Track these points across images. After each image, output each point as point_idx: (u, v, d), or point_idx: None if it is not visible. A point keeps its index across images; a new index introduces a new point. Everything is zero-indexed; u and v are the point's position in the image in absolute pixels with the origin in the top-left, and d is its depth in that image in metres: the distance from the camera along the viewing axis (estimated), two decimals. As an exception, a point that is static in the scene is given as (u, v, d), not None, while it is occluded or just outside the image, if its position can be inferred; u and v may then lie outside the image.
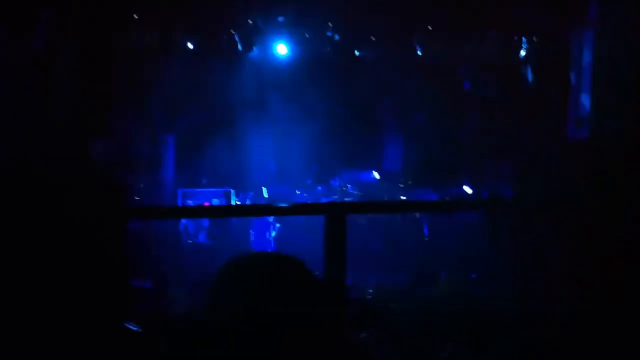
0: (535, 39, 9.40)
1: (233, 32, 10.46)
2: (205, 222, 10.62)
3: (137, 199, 11.52)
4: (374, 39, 10.78)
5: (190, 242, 10.55)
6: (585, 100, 7.51)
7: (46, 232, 1.62)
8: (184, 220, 10.54)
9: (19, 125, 8.80)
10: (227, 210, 6.56)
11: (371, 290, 7.71)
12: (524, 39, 9.73)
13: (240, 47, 10.79)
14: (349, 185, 12.26)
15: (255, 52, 11.17)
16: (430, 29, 9.96)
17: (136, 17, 9.68)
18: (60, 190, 1.69)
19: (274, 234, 10.47)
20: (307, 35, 10.66)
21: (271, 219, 10.48)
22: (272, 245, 10.44)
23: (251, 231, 10.53)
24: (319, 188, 12.07)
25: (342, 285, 2.72)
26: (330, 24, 10.21)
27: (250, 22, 9.97)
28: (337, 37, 10.80)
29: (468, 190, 11.03)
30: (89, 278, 1.67)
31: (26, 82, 9.01)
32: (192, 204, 11.58)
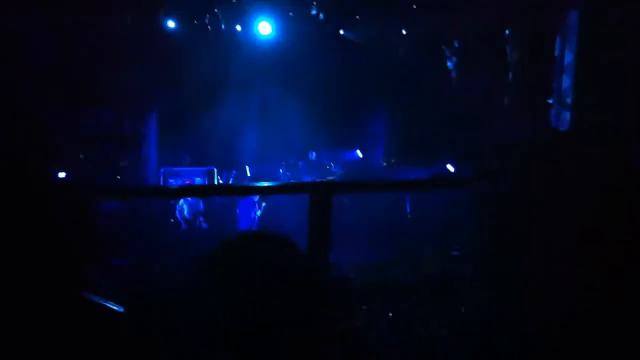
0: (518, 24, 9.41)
1: (216, 10, 10.34)
2: (201, 205, 10.57)
3: (118, 177, 11.47)
4: (358, 17, 10.73)
5: (185, 225, 10.49)
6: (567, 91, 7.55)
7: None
8: (179, 205, 10.47)
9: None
10: (213, 190, 6.53)
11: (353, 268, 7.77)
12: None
13: (223, 25, 10.69)
14: (332, 164, 12.30)
15: (239, 30, 11.08)
16: (415, 7, 9.92)
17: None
18: None
19: (259, 212, 10.49)
20: (291, 14, 10.58)
21: (256, 197, 10.48)
22: (256, 223, 10.46)
23: (237, 210, 10.52)
24: (300, 163, 12.10)
25: (326, 263, 2.75)
26: (314, 2, 10.12)
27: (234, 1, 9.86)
28: (321, 16, 10.73)
29: (450, 168, 11.10)
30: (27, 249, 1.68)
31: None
32: (174, 183, 11.55)
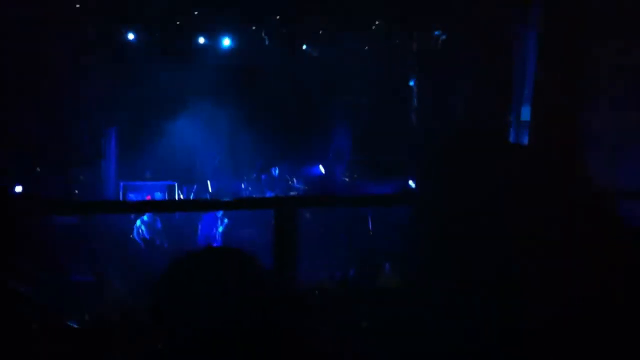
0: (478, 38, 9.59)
1: (177, 22, 10.29)
2: (159, 224, 10.32)
3: (76, 191, 11.26)
4: (321, 32, 10.79)
5: (144, 245, 10.25)
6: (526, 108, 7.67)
7: None
8: (136, 226, 10.23)
9: None
10: (175, 205, 6.43)
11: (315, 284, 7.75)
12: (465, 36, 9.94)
13: (184, 38, 10.65)
14: (294, 179, 12.29)
15: (201, 43, 11.05)
16: (377, 24, 10.02)
17: (77, 7, 9.41)
18: None
19: (221, 228, 10.35)
20: (253, 28, 10.59)
21: (219, 213, 10.33)
22: (219, 240, 10.34)
23: (199, 225, 10.37)
24: (263, 177, 12.06)
25: (293, 280, 2.73)
26: (277, 17, 10.15)
27: (195, 12, 9.82)
28: (283, 31, 10.77)
29: (412, 184, 11.19)
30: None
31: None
32: (134, 198, 11.39)
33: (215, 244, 10.09)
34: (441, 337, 1.22)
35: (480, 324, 1.18)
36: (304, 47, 11.37)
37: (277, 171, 12.09)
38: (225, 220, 10.33)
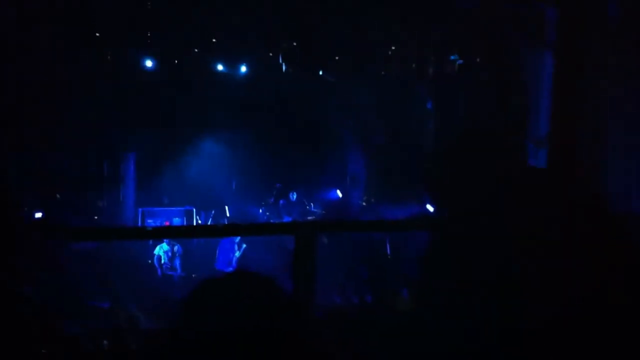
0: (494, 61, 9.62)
1: (196, 50, 10.41)
2: (178, 249, 10.32)
3: (96, 217, 11.34)
4: (337, 58, 10.87)
5: (163, 273, 10.24)
6: (544, 126, 7.65)
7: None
8: (155, 254, 10.25)
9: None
10: (194, 231, 6.45)
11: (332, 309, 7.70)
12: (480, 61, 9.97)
13: (202, 64, 10.76)
14: (311, 204, 12.29)
15: (219, 70, 11.16)
16: (394, 49, 10.08)
17: (97, 35, 9.56)
18: None
19: (238, 253, 10.33)
20: (270, 54, 10.69)
21: (237, 238, 10.31)
22: (236, 265, 10.32)
23: (217, 250, 10.36)
24: (281, 202, 12.07)
25: (312, 304, 2.72)
26: (295, 44, 10.25)
27: (214, 40, 9.94)
28: (301, 57, 10.86)
29: (430, 208, 11.13)
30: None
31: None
32: (152, 223, 11.43)
33: (232, 269, 10.08)
34: (442, 337, 1.21)
35: (480, 323, 1.17)
36: (321, 72, 11.45)
37: (294, 196, 12.10)
38: (244, 246, 10.31)
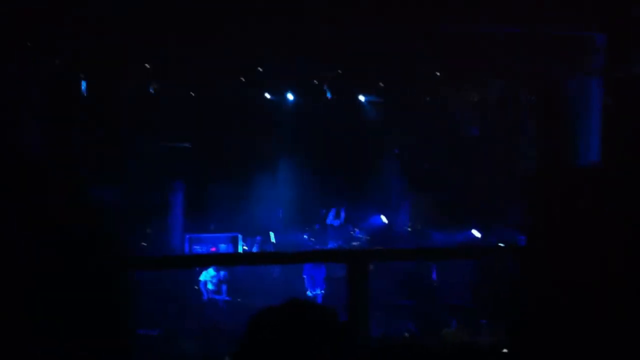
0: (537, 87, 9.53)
1: (242, 79, 10.56)
2: (224, 275, 10.42)
3: (144, 244, 11.50)
4: (382, 84, 10.91)
5: (208, 297, 10.35)
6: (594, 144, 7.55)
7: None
8: (202, 280, 10.42)
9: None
10: (243, 258, 6.51)
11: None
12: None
13: (249, 93, 10.92)
14: (356, 229, 12.28)
15: (266, 98, 11.33)
16: (438, 74, 10.07)
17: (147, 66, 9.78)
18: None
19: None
20: (315, 82, 10.79)
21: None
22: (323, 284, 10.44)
23: (304, 275, 10.53)
24: (331, 223, 12.09)
25: (367, 332, 2.73)
26: (339, 71, 10.33)
27: (260, 69, 10.08)
28: (343, 84, 10.93)
29: (476, 233, 11.01)
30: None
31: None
32: (199, 250, 11.55)
33: (320, 289, 10.24)
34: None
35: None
36: (365, 98, 11.52)
37: (343, 214, 12.09)
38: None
